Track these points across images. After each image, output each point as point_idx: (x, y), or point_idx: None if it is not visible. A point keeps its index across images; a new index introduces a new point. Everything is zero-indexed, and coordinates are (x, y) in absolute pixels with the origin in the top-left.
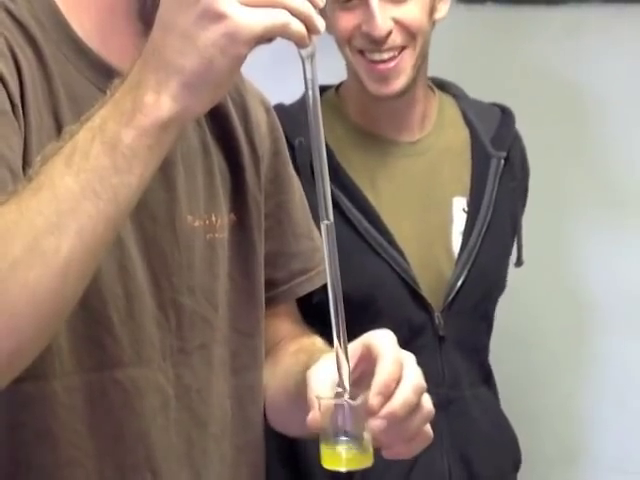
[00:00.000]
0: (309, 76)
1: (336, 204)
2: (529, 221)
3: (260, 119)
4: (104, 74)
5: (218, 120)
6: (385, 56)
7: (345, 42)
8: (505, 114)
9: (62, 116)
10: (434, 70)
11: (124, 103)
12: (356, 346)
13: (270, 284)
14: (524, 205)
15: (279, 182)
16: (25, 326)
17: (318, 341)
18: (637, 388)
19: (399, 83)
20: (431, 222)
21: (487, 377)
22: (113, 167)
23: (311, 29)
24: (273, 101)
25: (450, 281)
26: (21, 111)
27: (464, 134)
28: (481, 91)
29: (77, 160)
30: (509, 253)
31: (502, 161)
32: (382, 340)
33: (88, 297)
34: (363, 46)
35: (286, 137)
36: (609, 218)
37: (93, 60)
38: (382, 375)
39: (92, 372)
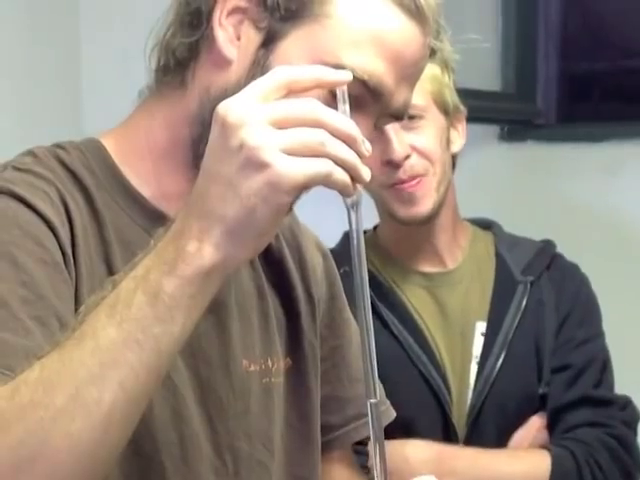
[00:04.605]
0: (354, 225)
1: (382, 319)
2: None
3: (316, 264)
4: (157, 221)
5: (273, 264)
6: (407, 178)
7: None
8: (545, 244)
9: (114, 263)
10: (476, 206)
11: (167, 252)
12: None
13: (325, 428)
14: (556, 331)
15: (335, 327)
16: (67, 476)
17: None
18: None
19: (426, 204)
20: (459, 347)
21: None
22: (155, 317)
23: (356, 178)
24: None
25: (468, 410)
26: (72, 260)
27: (492, 264)
28: (522, 227)
29: (119, 310)
30: (535, 375)
31: (528, 285)
32: None
33: (141, 444)
34: (387, 179)
35: None
36: None
37: (145, 207)
38: None
39: None
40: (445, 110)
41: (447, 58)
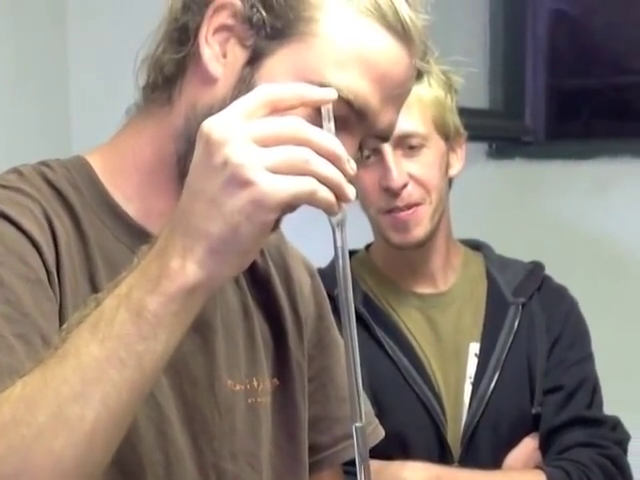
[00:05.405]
0: (339, 244)
1: (377, 340)
2: None
3: (303, 283)
4: (142, 240)
5: (260, 284)
6: (403, 207)
7: (367, 202)
8: (534, 266)
9: (98, 281)
10: (465, 223)
11: (150, 269)
12: None
13: (314, 448)
14: (547, 353)
15: (322, 346)
16: None
17: None
18: None
19: (419, 232)
20: (453, 368)
21: None
22: (138, 334)
23: (340, 197)
24: None
25: (463, 430)
26: (56, 278)
27: (484, 286)
28: (511, 245)
29: (102, 328)
30: (528, 395)
31: (520, 307)
32: None
33: (126, 463)
34: (385, 205)
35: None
36: None
37: (130, 226)
38: None
39: None
40: (446, 135)
41: (451, 80)
